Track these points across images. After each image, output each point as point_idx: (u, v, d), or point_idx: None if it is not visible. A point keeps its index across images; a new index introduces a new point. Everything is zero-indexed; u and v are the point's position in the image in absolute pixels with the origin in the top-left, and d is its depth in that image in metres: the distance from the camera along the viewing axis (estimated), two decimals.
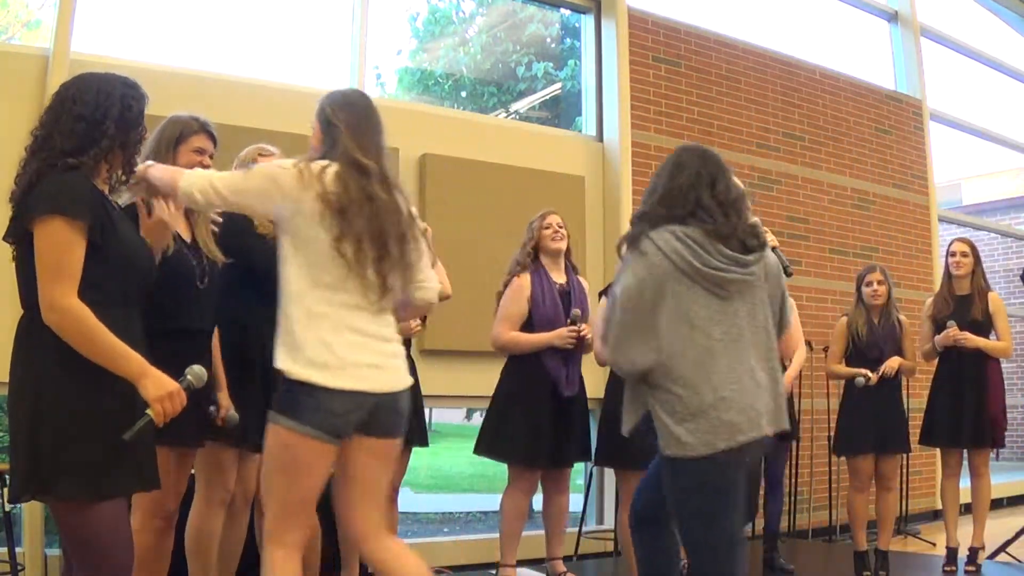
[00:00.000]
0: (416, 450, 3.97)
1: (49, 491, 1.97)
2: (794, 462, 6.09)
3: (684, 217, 2.56)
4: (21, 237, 2.04)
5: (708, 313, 2.51)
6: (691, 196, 2.56)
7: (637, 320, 2.51)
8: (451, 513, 8.47)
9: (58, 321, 1.98)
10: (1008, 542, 5.07)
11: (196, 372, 2.23)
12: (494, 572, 4.26)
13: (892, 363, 4.57)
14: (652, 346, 2.50)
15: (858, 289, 4.75)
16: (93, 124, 2.10)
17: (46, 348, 1.99)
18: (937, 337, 4.76)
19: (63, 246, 1.98)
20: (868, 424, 4.57)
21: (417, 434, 3.87)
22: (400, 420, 2.41)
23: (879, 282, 4.67)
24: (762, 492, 4.91)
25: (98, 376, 2.02)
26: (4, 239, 2.12)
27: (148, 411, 2.04)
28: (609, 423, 3.93)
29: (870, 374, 4.55)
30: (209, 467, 3.00)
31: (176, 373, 2.16)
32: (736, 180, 2.70)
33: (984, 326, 4.75)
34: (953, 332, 4.67)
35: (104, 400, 2.03)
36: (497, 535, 4.16)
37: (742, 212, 2.61)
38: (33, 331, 2.01)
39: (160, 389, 2.04)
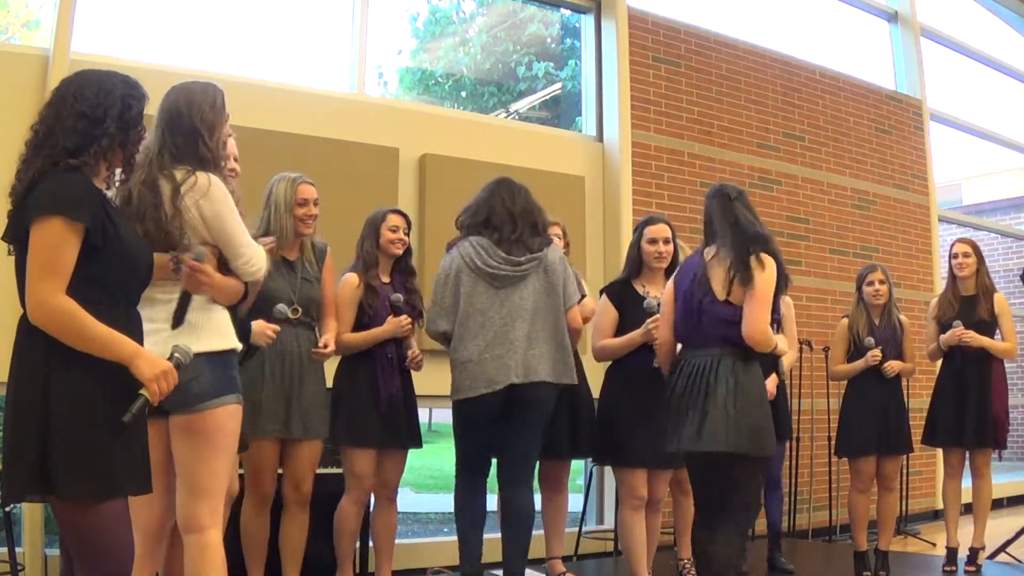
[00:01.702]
0: (417, 450, 3.98)
1: (55, 491, 1.97)
2: (794, 462, 6.09)
3: (480, 229, 3.63)
4: (21, 237, 2.04)
5: (485, 298, 3.54)
6: (486, 214, 3.65)
7: (443, 300, 3.61)
8: (451, 513, 8.45)
9: (45, 319, 1.98)
10: (1008, 542, 5.07)
11: (183, 349, 2.23)
12: (496, 572, 4.27)
13: (891, 367, 4.57)
14: (451, 319, 3.59)
15: (859, 289, 4.75)
16: (94, 122, 2.10)
17: (51, 348, 1.99)
18: (942, 336, 4.76)
19: (56, 246, 1.99)
20: (870, 425, 4.57)
21: (409, 436, 3.89)
22: (177, 392, 2.24)
23: (880, 282, 4.66)
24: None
25: (104, 376, 2.03)
26: (3, 239, 2.12)
27: (143, 391, 2.04)
28: (606, 420, 3.95)
29: (877, 353, 4.55)
30: None
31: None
32: (526, 199, 3.71)
33: (989, 326, 4.75)
34: (958, 332, 4.67)
35: (110, 400, 2.03)
36: (497, 535, 4.17)
37: (523, 225, 3.63)
38: (36, 331, 2.00)
39: (155, 368, 2.05)
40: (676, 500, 4.36)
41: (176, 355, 2.20)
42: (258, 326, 3.30)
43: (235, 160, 3.16)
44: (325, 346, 3.59)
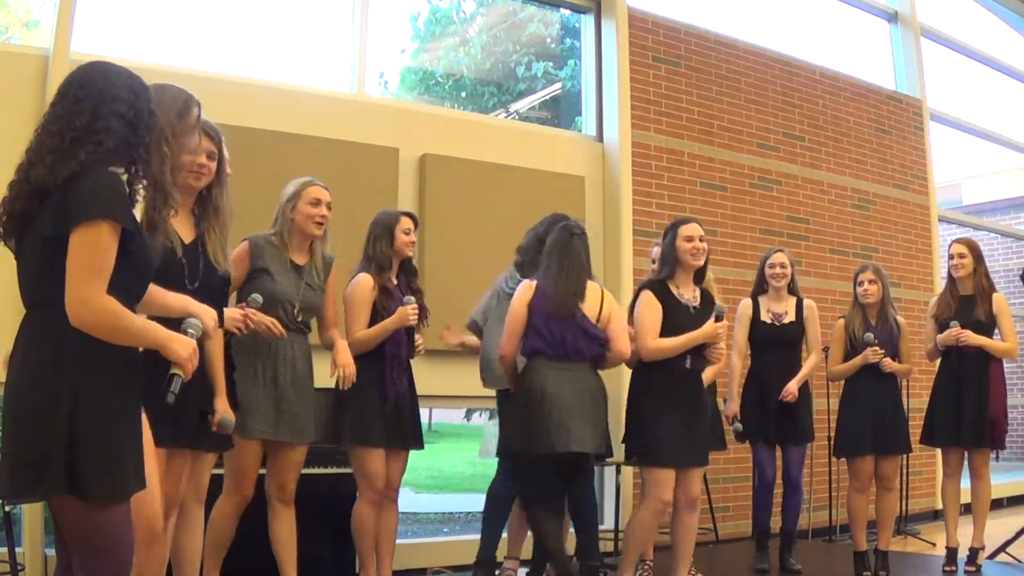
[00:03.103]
0: (417, 451, 3.98)
1: (84, 491, 1.94)
2: None
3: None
4: (62, 233, 1.97)
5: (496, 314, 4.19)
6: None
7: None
8: (451, 513, 8.48)
9: (93, 319, 1.96)
10: (1008, 542, 5.07)
11: (194, 324, 2.27)
12: (497, 572, 4.28)
13: (888, 366, 4.57)
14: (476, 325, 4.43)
15: (854, 288, 4.76)
16: (129, 125, 2.08)
17: (75, 349, 1.97)
18: (939, 336, 4.77)
19: (105, 249, 1.96)
20: (868, 425, 4.57)
21: (413, 437, 3.90)
22: None
23: (870, 281, 4.67)
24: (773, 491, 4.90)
25: (119, 376, 2.03)
26: (42, 232, 2.01)
27: (175, 370, 2.13)
28: (635, 419, 3.94)
29: (878, 349, 4.54)
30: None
31: (157, 369, 2.21)
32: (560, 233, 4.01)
33: (987, 327, 4.75)
34: (955, 332, 4.67)
35: (125, 401, 2.04)
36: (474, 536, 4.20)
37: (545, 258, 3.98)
38: (62, 328, 1.96)
39: (188, 348, 2.14)
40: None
41: (190, 331, 2.25)
42: (229, 311, 3.13)
43: (203, 153, 2.94)
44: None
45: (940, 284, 8.04)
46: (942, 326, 4.78)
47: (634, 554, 3.93)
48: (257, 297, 3.30)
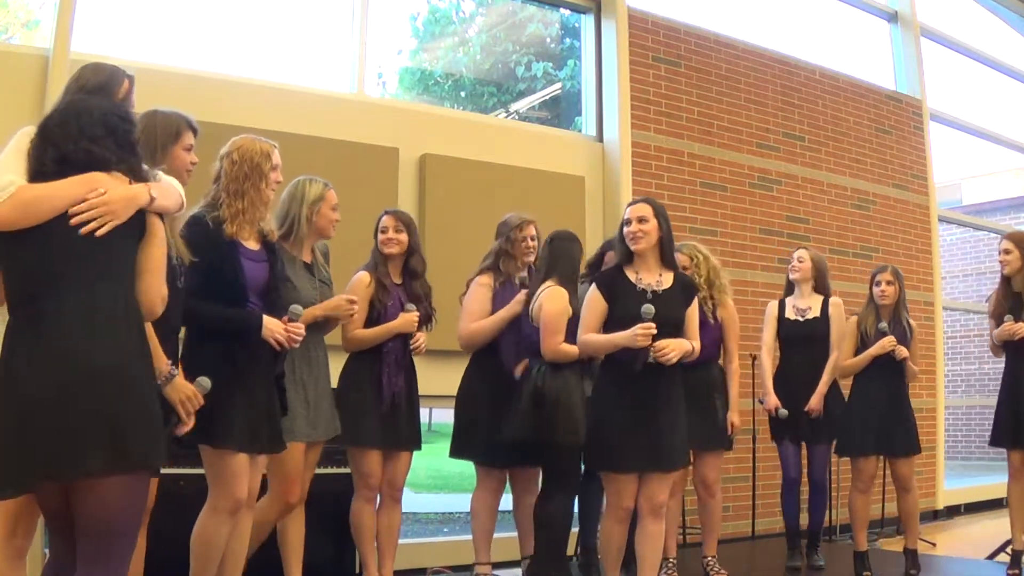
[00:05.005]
0: (416, 452, 3.98)
1: (167, 458, 2.18)
2: None
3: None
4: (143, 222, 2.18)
5: None
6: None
7: None
8: (451, 513, 8.46)
9: (160, 313, 2.22)
10: (1008, 542, 5.06)
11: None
12: (498, 572, 4.27)
13: (901, 353, 4.51)
14: None
15: (870, 288, 4.75)
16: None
17: (140, 325, 2.13)
18: (995, 332, 4.73)
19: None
20: (871, 424, 4.54)
21: (409, 438, 3.90)
22: None
23: (888, 283, 4.66)
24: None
25: None
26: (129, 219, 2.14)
27: None
28: (597, 422, 3.71)
29: (893, 338, 4.51)
30: (216, 474, 2.98)
31: None
32: None
33: None
34: (1010, 326, 4.60)
35: None
36: (496, 535, 4.18)
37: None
38: (133, 308, 2.11)
39: None
40: (702, 500, 4.46)
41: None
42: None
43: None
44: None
45: (940, 284, 8.06)
46: (1000, 323, 4.69)
47: (610, 564, 3.66)
48: (298, 309, 3.18)
